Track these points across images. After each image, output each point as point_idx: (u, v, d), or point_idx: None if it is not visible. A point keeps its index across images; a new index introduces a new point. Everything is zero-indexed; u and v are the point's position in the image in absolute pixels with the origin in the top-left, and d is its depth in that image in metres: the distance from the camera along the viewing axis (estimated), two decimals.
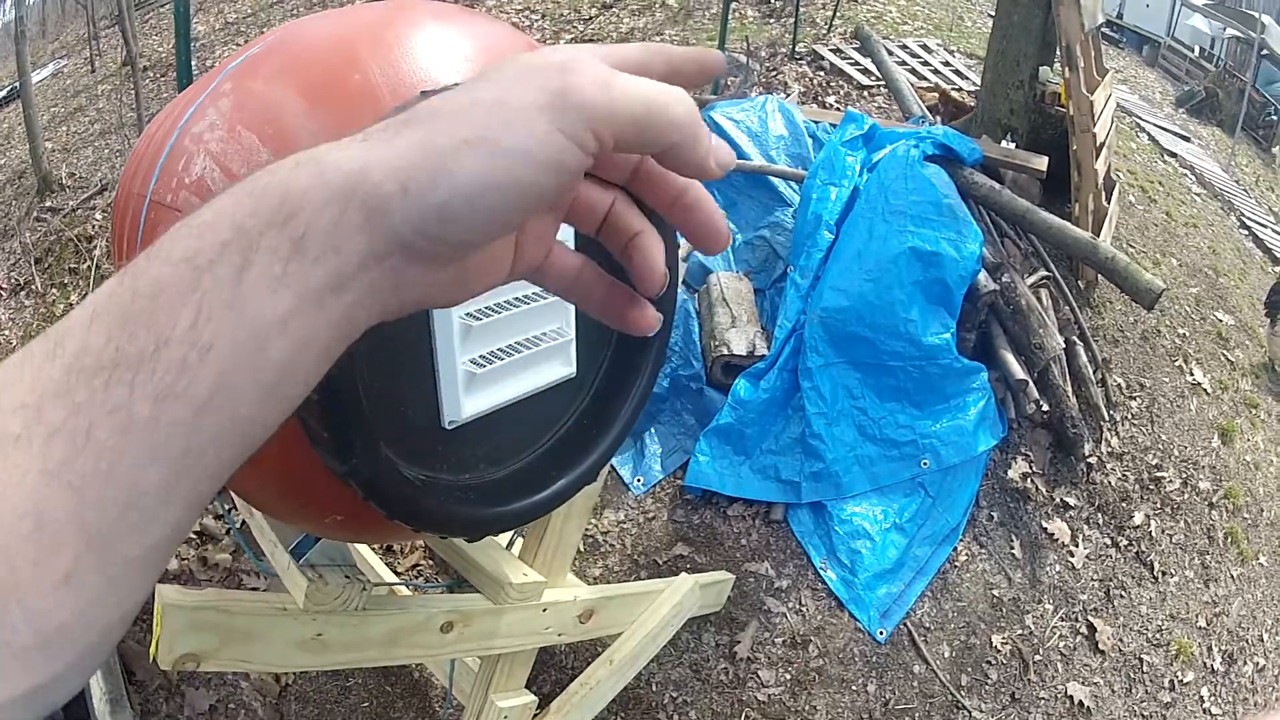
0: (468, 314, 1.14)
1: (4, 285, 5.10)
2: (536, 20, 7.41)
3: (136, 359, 0.33)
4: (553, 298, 1.21)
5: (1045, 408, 3.33)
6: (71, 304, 4.93)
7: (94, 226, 5.21)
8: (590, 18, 7.21)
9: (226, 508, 2.63)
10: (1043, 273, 3.75)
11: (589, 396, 1.37)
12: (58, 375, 0.34)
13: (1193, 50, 12.42)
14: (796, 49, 6.33)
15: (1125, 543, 3.51)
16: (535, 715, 2.07)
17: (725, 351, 3.13)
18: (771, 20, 7.15)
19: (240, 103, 1.18)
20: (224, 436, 0.35)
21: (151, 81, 6.85)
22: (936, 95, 5.17)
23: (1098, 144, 4.08)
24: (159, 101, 6.08)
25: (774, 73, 5.53)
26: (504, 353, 1.19)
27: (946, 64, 6.21)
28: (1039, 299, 3.57)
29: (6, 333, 4.72)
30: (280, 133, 1.12)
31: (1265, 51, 11.08)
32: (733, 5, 6.35)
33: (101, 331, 0.34)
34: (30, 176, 5.85)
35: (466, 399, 1.17)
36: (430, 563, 2.94)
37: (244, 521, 1.97)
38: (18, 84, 6.38)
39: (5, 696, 0.32)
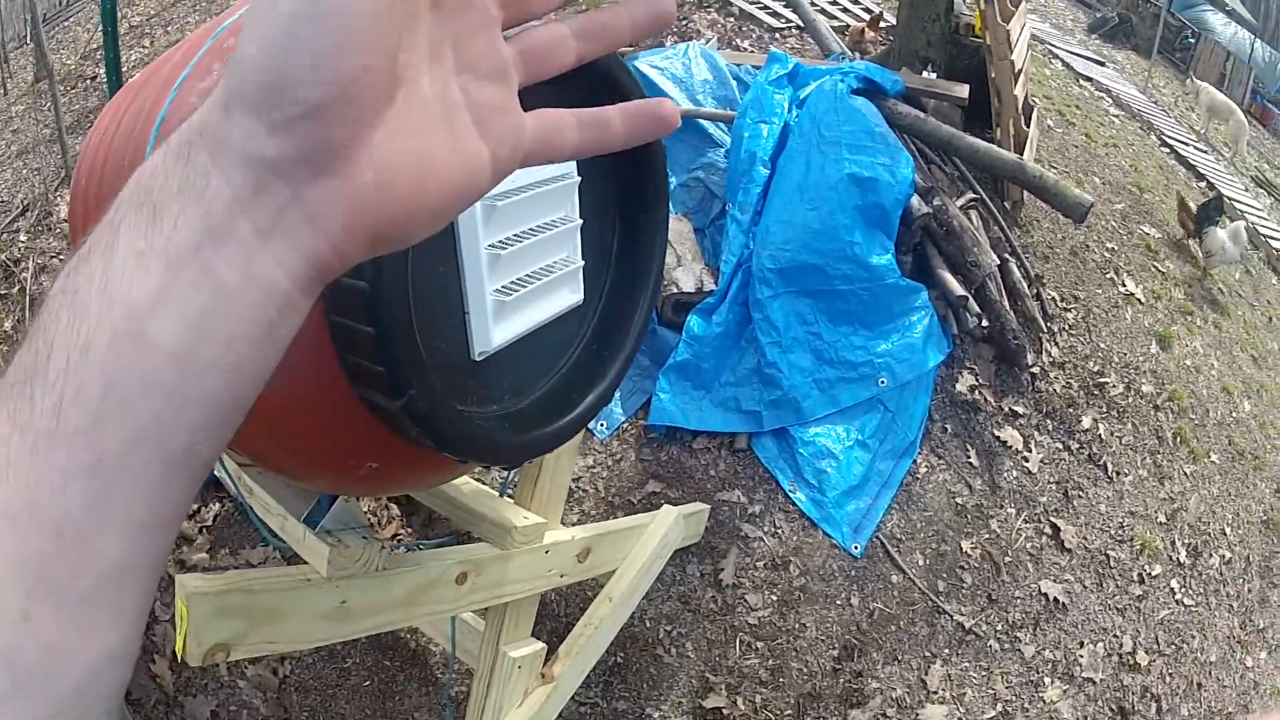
0: (494, 244, 1.17)
1: None
2: None
3: (34, 370, 0.30)
4: (562, 226, 1.26)
5: (985, 322, 3.46)
6: (6, 330, 4.82)
7: (20, 249, 5.03)
8: None
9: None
10: (970, 195, 3.87)
11: (595, 319, 1.43)
12: None
13: None
14: None
15: (1076, 446, 3.64)
16: (545, 662, 2.11)
17: (675, 289, 3.19)
18: None
19: None
20: (137, 446, 0.30)
21: (63, 95, 6.64)
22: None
23: (1016, 70, 4.21)
24: (75, 114, 5.90)
25: (684, 21, 5.51)
26: (524, 281, 1.22)
27: (856, 2, 6.30)
28: (970, 220, 3.70)
29: None
30: None
31: None
32: None
33: (27, 348, 0.31)
34: None
35: (495, 328, 1.19)
36: (408, 531, 2.95)
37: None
38: None
39: None
